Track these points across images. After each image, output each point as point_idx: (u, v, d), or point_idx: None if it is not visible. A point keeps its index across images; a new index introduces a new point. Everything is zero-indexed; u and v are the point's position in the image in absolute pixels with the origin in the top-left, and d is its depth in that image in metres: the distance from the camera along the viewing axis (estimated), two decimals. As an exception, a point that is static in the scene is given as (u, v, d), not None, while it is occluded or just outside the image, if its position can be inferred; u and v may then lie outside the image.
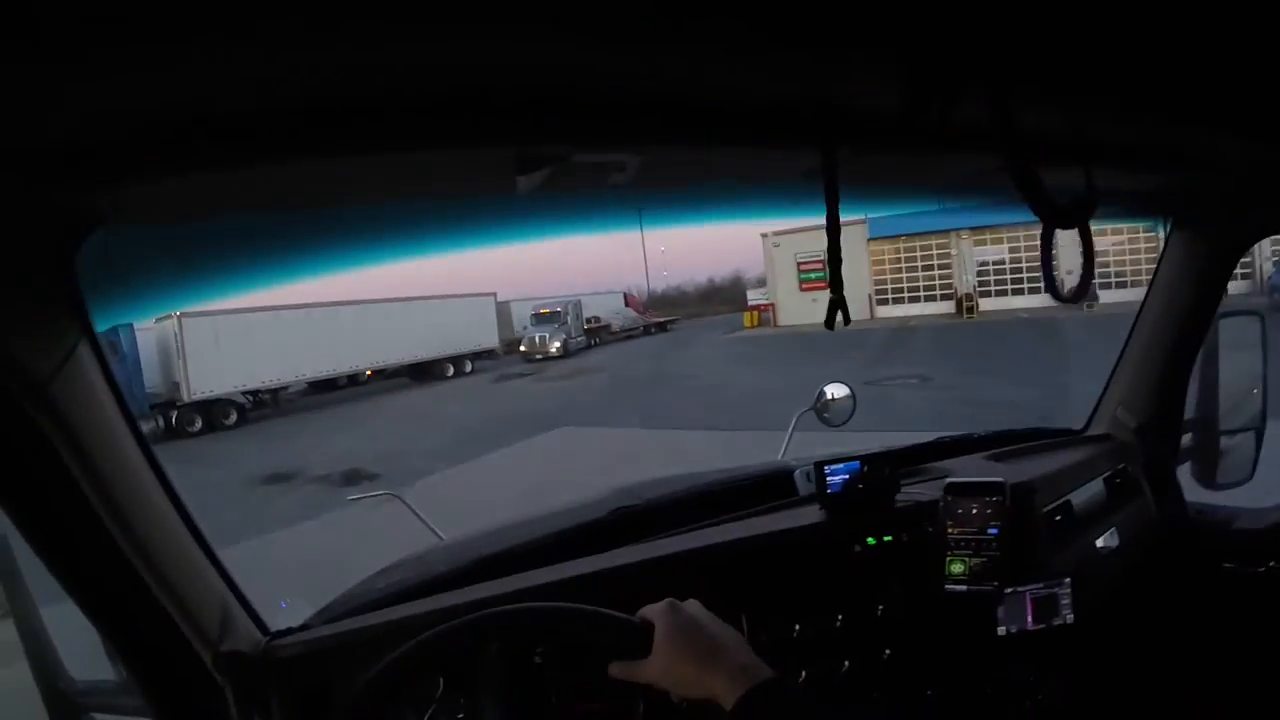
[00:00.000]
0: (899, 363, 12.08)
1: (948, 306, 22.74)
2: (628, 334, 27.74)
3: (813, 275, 23.22)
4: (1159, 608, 1.37)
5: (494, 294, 23.33)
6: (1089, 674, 1.23)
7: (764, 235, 24.63)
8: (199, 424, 13.94)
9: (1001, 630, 1.12)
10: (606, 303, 28.18)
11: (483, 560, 1.12)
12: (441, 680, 0.87)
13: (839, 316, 0.67)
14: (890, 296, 23.59)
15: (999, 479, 1.14)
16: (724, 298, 39.61)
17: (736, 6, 0.48)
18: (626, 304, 30.39)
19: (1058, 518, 1.23)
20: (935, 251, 23.22)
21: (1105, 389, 1.55)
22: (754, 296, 36.47)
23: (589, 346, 24.13)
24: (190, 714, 0.85)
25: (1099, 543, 1.29)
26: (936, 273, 23.37)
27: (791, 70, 0.59)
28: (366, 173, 0.65)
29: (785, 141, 0.69)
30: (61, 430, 0.66)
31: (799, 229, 22.70)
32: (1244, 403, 1.41)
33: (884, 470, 1.15)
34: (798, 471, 1.33)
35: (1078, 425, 1.60)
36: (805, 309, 22.44)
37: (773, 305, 24.56)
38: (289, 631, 0.98)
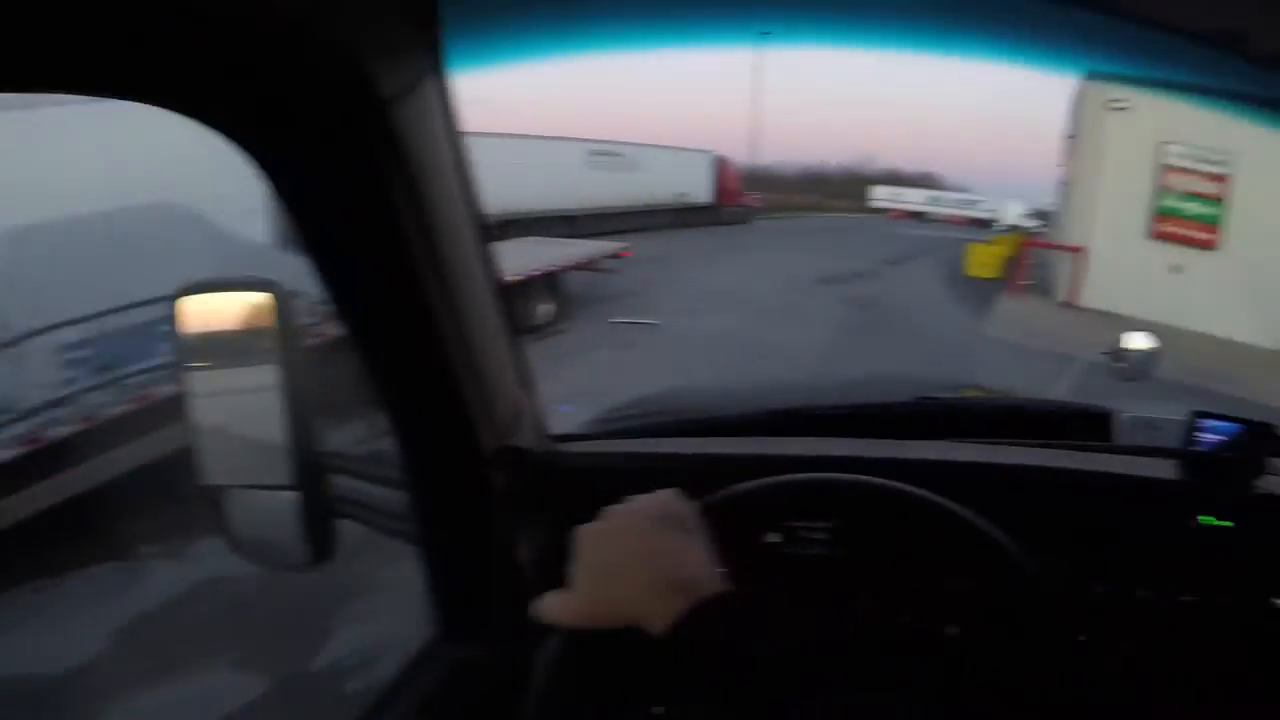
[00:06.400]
0: None
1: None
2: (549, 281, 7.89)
3: (1194, 210, 10.82)
4: None
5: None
6: None
7: (1088, 77, 8.32)
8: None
9: None
10: (672, 168, 15.27)
11: (771, 414, 1.15)
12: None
13: None
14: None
15: None
16: (834, 189, 29.95)
17: None
18: (719, 176, 17.59)
19: None
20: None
21: None
22: (882, 197, 24.27)
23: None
24: (452, 497, 0.79)
25: None
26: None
27: None
28: None
29: None
30: (395, 159, 0.55)
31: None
32: None
33: (1265, 444, 0.98)
34: (1126, 415, 1.16)
35: None
36: (1156, 283, 10.41)
37: (1079, 252, 11.27)
38: (570, 438, 0.99)
